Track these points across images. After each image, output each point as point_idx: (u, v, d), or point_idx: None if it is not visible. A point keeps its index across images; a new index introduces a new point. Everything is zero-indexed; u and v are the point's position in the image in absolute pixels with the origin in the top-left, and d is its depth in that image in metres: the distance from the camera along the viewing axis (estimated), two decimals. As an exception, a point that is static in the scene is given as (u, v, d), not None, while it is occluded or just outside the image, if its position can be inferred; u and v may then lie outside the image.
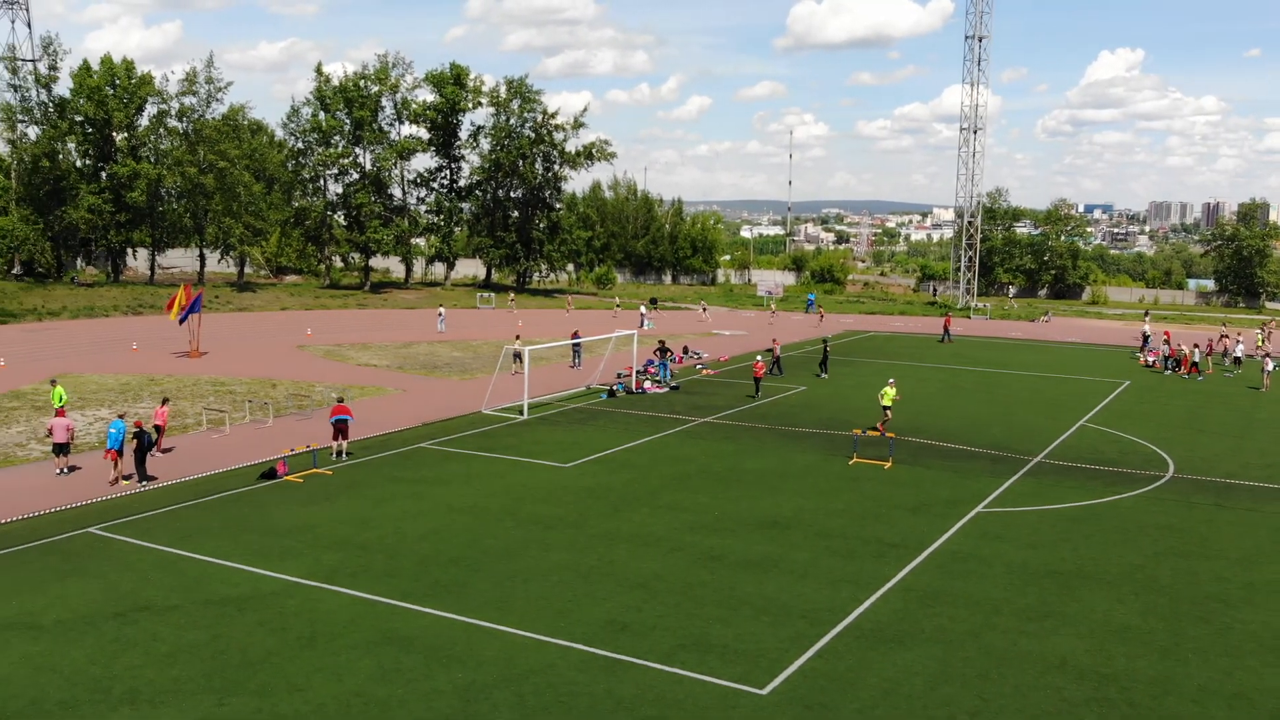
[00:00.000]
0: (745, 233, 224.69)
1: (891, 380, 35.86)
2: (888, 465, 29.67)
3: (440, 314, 64.10)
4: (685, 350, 53.67)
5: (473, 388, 41.94)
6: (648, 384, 43.21)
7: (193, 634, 16.80)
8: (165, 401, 31.09)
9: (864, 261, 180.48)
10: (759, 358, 42.14)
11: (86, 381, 41.51)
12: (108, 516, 23.35)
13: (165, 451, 29.81)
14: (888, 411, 34.42)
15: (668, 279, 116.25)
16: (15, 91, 74.82)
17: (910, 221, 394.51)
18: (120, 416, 27.16)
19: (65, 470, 27.06)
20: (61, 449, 26.98)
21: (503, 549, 21.49)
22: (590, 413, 37.76)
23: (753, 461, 30.10)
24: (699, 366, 49.97)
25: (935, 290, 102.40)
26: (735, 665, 16.03)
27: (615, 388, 42.13)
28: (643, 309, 71.88)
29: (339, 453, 29.30)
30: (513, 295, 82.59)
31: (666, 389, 43.12)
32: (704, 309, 77.02)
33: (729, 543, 22.25)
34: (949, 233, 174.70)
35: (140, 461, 26.47)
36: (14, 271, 75.67)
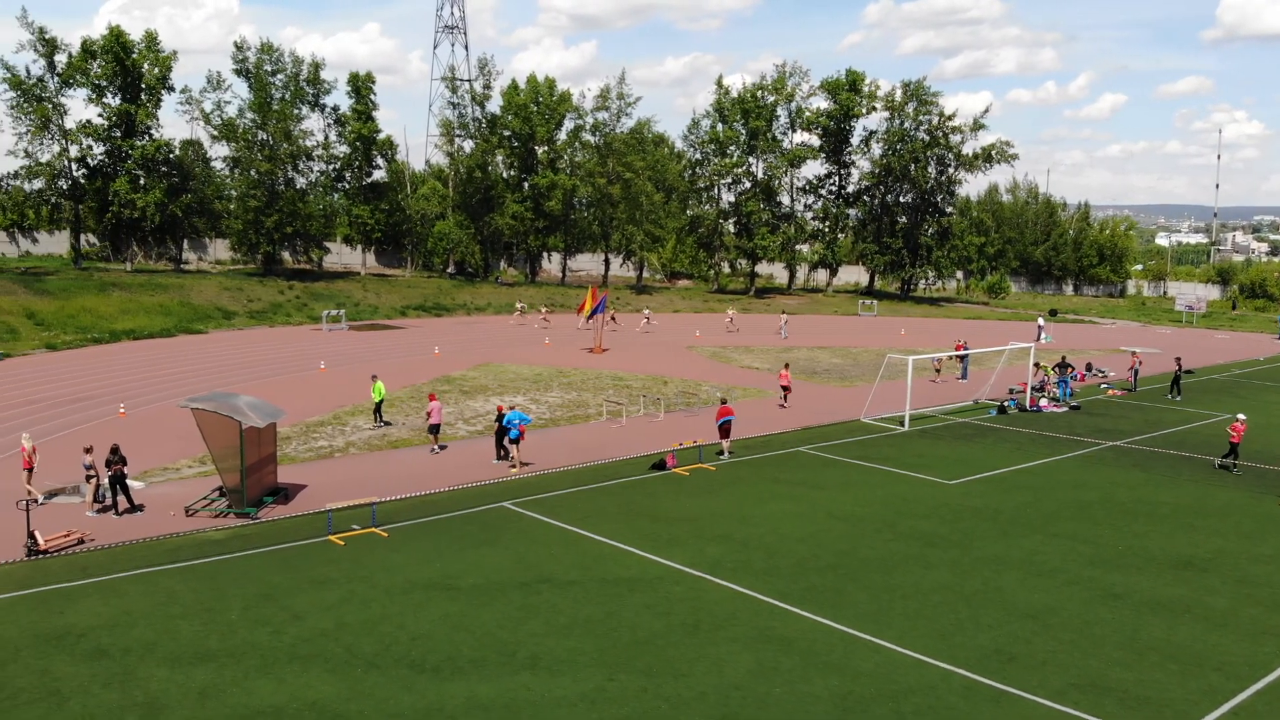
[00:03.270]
0: (1161, 240, 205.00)
1: None
2: (1334, 510, 25.75)
3: (783, 321, 64.06)
4: (1088, 368, 49.89)
5: (852, 395, 41.55)
6: (1043, 402, 40.59)
7: (588, 609, 18.00)
8: (787, 366, 40.14)
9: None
10: (1240, 418, 30.76)
11: (505, 370, 45.91)
12: (520, 493, 25.63)
13: (783, 407, 37.91)
14: None
15: (1069, 289, 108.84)
16: (454, 109, 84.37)
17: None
18: (513, 407, 29.61)
19: (438, 449, 30.11)
20: (435, 429, 30.02)
21: (880, 561, 21.09)
22: (978, 429, 36.13)
23: (1164, 493, 27.32)
24: (1104, 386, 46.22)
25: None
26: (1136, 712, 14.61)
27: (1007, 404, 39.96)
28: (1040, 321, 67.73)
29: (723, 451, 30.20)
30: (544, 308, 69.27)
31: (1065, 408, 40.25)
32: (730, 318, 67.54)
33: (1134, 580, 20.33)
34: None
35: (499, 443, 29.01)
36: (449, 271, 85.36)
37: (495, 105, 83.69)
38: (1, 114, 66.17)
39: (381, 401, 33.46)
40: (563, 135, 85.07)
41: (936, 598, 19.04)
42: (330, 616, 17.46)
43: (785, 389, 39.16)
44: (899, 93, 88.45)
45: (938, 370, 47.22)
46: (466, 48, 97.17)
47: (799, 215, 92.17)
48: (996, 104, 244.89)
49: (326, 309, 62.82)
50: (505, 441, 28.66)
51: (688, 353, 54.57)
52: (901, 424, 35.76)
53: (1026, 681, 15.56)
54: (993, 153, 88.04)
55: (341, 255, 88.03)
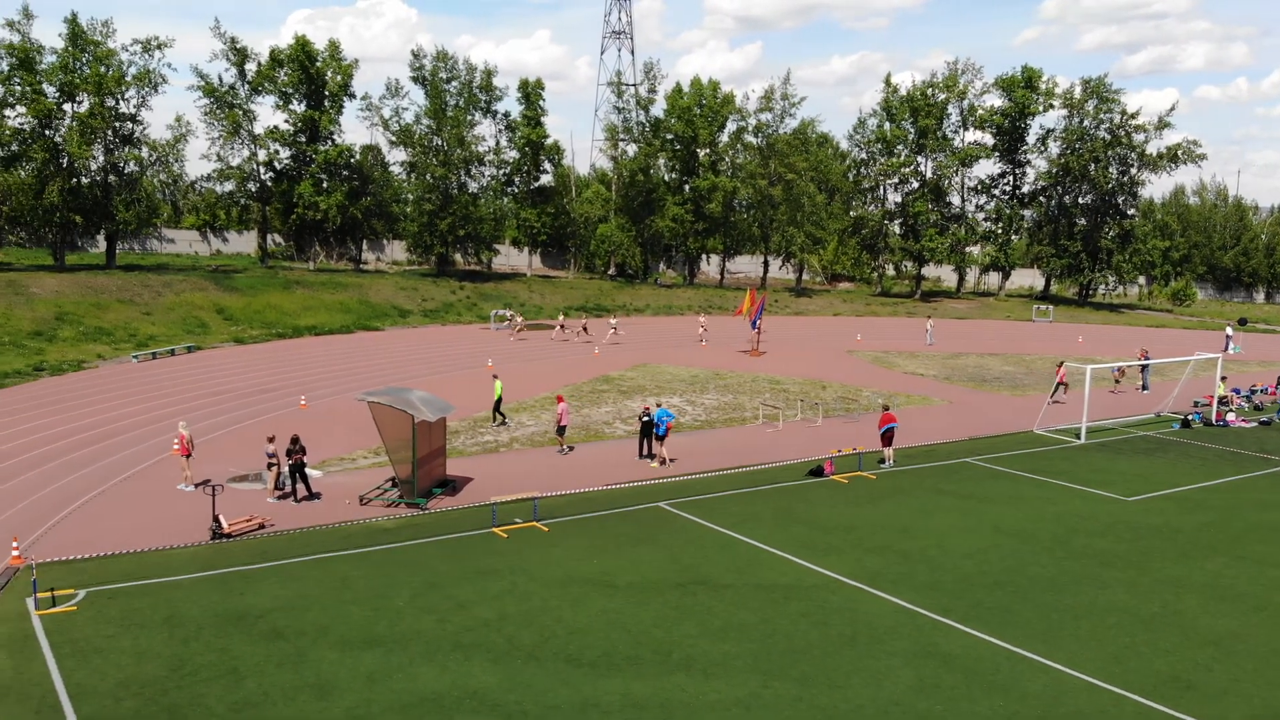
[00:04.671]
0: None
1: None
2: None
3: (929, 326, 61.78)
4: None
5: (1024, 405, 40.02)
6: (1230, 416, 38.13)
7: (743, 614, 17.92)
8: (1062, 364, 41.08)
9: None
10: None
11: (663, 371, 46.22)
12: (675, 494, 25.76)
13: (1057, 403, 39.35)
14: None
15: (1260, 297, 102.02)
16: (619, 113, 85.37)
17: None
18: (657, 404, 29.69)
19: (565, 449, 30.36)
20: (561, 430, 30.27)
21: (1051, 579, 20.24)
22: (1159, 443, 34.22)
23: (1370, 519, 25.24)
24: (1299, 400, 43.05)
25: None
26: (1337, 757, 13.55)
27: (1191, 417, 37.74)
28: (1229, 330, 63.65)
29: (885, 459, 29.56)
30: (520, 316, 61.74)
31: (1255, 424, 37.71)
32: (703, 327, 58.88)
33: (1333, 611, 18.87)
34: None
35: (642, 441, 29.32)
36: (609, 272, 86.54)
37: (659, 109, 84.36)
38: (196, 119, 70.66)
39: (499, 400, 34.04)
40: (725, 137, 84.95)
41: (1110, 619, 18.15)
42: (493, 607, 17.95)
43: (1063, 385, 40.58)
44: (1078, 90, 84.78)
45: (1117, 380, 44.98)
46: (633, 52, 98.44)
47: (970, 216, 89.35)
48: (1183, 102, 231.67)
49: (494, 308, 64.63)
50: (652, 439, 29.02)
51: (848, 357, 53.67)
52: (1078, 436, 34.23)
53: (1205, 711, 14.66)
54: (1178, 152, 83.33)
55: (509, 257, 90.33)
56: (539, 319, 66.70)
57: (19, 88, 59.53)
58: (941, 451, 31.82)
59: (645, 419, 29.26)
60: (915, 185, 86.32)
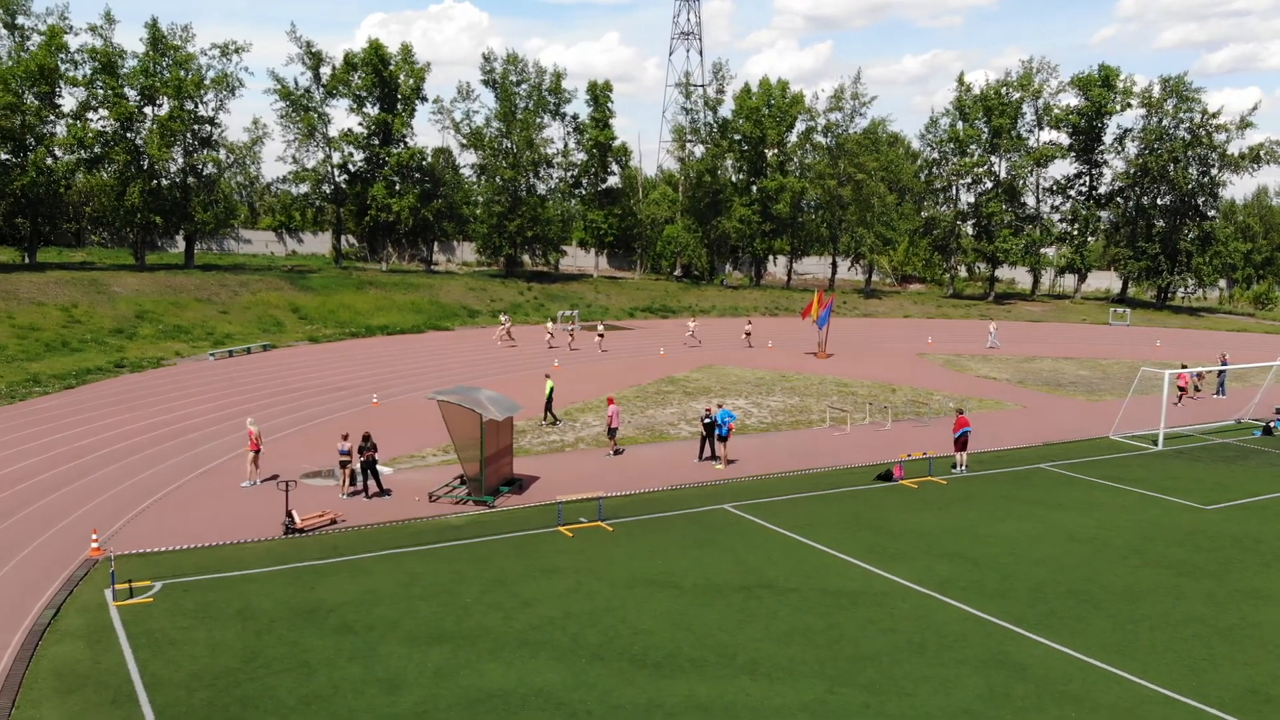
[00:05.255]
0: None
1: None
2: None
3: (992, 329, 60.29)
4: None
5: (1100, 410, 39.12)
6: (1319, 424, 36.86)
7: (809, 618, 17.77)
8: (1184, 366, 41.93)
9: None
10: None
11: (728, 373, 46.05)
12: (739, 496, 25.64)
13: (1176, 404, 39.47)
14: None
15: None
16: (686, 114, 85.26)
17: None
18: (719, 406, 29.53)
19: (614, 452, 30.21)
20: (612, 433, 30.16)
21: (1126, 589, 19.75)
22: (1240, 450, 33.22)
23: None
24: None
25: None
26: None
27: (1273, 424, 36.56)
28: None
29: (958, 464, 29.09)
30: (563, 321, 59.28)
31: (1345, 432, 36.40)
32: (692, 331, 56.99)
33: None
34: None
35: (708, 442, 29.14)
36: (676, 274, 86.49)
37: (727, 109, 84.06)
38: (272, 123, 71.96)
39: (550, 399, 34.20)
40: (793, 137, 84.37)
41: (1187, 630, 17.66)
42: (558, 605, 18.04)
43: (1182, 390, 41.34)
44: (1157, 88, 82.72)
45: (1197, 387, 43.75)
46: (701, 53, 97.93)
47: (1045, 217, 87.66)
48: (1266, 100, 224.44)
49: (561, 309, 64.99)
50: (714, 440, 28.98)
51: (918, 360, 52.96)
52: (1155, 443, 33.38)
53: (1293, 732, 14.18)
54: (1261, 153, 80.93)
55: (576, 258, 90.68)
56: (605, 319, 66.88)
57: (102, 91, 61.39)
58: (1014, 457, 31.25)
59: (707, 420, 29.17)
60: (989, 185, 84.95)
